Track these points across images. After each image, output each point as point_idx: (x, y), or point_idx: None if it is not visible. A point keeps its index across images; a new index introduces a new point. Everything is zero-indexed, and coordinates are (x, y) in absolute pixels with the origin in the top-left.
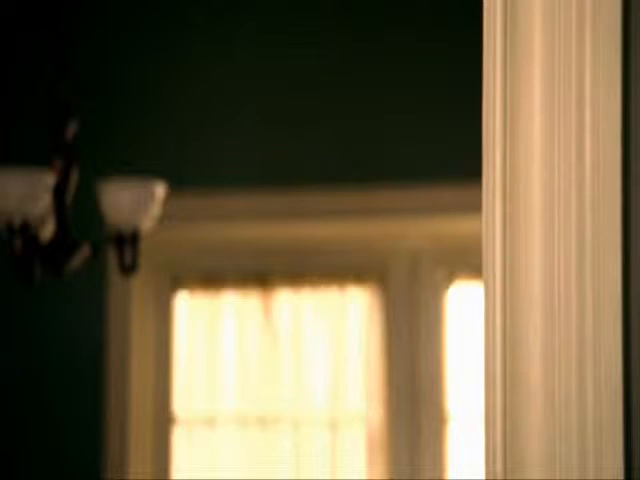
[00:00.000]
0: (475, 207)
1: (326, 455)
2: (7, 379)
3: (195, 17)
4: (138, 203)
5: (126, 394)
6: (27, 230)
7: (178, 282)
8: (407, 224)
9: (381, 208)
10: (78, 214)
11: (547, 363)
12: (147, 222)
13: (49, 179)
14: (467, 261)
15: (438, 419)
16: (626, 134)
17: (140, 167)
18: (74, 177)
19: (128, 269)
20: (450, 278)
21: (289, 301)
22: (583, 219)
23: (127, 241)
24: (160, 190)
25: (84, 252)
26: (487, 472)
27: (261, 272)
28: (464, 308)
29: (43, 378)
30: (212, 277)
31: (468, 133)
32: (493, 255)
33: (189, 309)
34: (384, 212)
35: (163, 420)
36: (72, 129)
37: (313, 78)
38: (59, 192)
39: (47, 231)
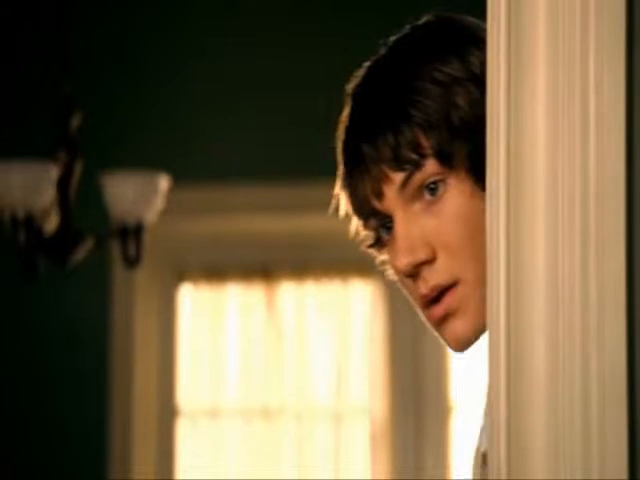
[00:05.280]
0: None
1: (330, 447)
2: (10, 372)
3: (199, 10)
4: (142, 195)
5: (130, 386)
6: (31, 223)
7: (182, 275)
8: None
9: None
10: (82, 207)
11: (551, 355)
12: (151, 215)
13: (53, 172)
14: None
15: (442, 411)
16: (630, 125)
17: (144, 160)
18: (78, 170)
19: (132, 262)
20: None
21: (293, 294)
22: (587, 211)
23: (131, 234)
24: (164, 183)
25: (88, 245)
26: (491, 463)
27: (265, 265)
28: None
29: (47, 371)
30: (216, 270)
31: None
32: (497, 248)
33: (193, 302)
34: None
35: (167, 412)
36: (76, 122)
37: (315, 72)
38: (63, 185)
39: (51, 224)
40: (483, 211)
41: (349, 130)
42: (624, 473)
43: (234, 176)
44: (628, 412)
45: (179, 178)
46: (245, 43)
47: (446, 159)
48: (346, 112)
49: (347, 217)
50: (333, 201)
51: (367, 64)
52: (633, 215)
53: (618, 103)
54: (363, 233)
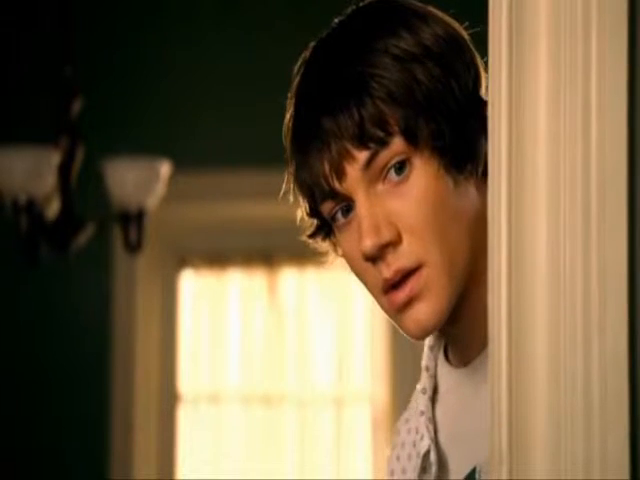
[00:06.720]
0: None
1: (331, 433)
2: (12, 356)
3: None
4: (143, 181)
5: (131, 371)
6: (32, 208)
7: (183, 260)
8: None
9: None
10: (83, 192)
11: (552, 341)
12: (152, 200)
13: (54, 157)
14: None
15: None
16: (631, 115)
17: (145, 145)
18: (79, 155)
19: (133, 247)
20: None
21: (294, 280)
22: (588, 199)
23: (132, 219)
24: (165, 168)
25: (89, 230)
26: (491, 448)
27: (266, 251)
28: None
29: (48, 356)
30: (217, 255)
31: None
32: (499, 236)
33: (194, 287)
34: None
35: (168, 397)
36: (77, 107)
37: None
38: (64, 170)
39: (52, 209)
40: (448, 192)
41: (301, 104)
42: (626, 472)
43: (235, 162)
44: (629, 399)
45: (180, 164)
46: (245, 32)
47: (412, 137)
48: (294, 90)
49: (297, 202)
50: (284, 185)
51: (312, 44)
52: (634, 203)
53: (620, 93)
54: (308, 220)
